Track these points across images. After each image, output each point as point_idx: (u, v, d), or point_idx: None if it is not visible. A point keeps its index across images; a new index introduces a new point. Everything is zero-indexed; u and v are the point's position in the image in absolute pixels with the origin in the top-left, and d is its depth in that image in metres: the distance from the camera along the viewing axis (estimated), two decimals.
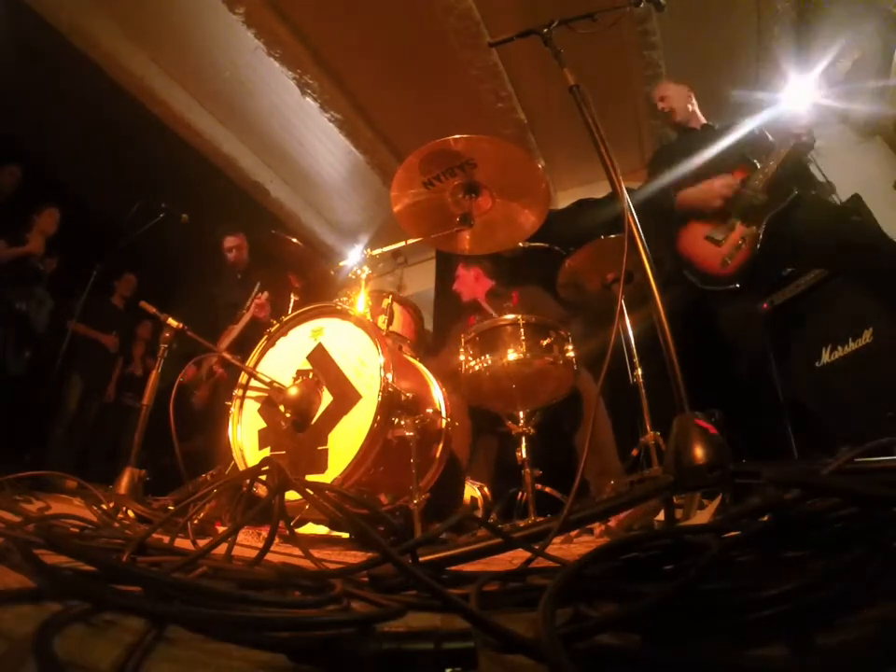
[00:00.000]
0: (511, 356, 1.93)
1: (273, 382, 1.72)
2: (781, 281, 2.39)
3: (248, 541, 1.24)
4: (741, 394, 2.40)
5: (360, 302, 1.98)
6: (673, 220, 2.46)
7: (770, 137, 2.40)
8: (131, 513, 1.39)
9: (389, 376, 1.54)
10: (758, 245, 2.20)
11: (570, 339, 2.04)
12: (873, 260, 2.05)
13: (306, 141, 4.65)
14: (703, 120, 2.63)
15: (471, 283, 2.84)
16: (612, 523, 1.48)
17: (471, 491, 2.19)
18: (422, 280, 5.07)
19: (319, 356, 1.72)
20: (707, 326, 2.51)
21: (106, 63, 3.84)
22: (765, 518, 0.61)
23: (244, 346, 2.71)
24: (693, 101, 2.65)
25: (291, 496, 0.86)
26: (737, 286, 2.25)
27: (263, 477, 1.00)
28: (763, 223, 2.20)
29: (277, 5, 3.59)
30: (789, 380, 2.26)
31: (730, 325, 2.39)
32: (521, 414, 2.06)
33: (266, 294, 3.12)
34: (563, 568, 0.53)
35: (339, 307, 1.80)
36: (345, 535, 1.53)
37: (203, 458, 2.34)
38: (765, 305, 2.40)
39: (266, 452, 1.67)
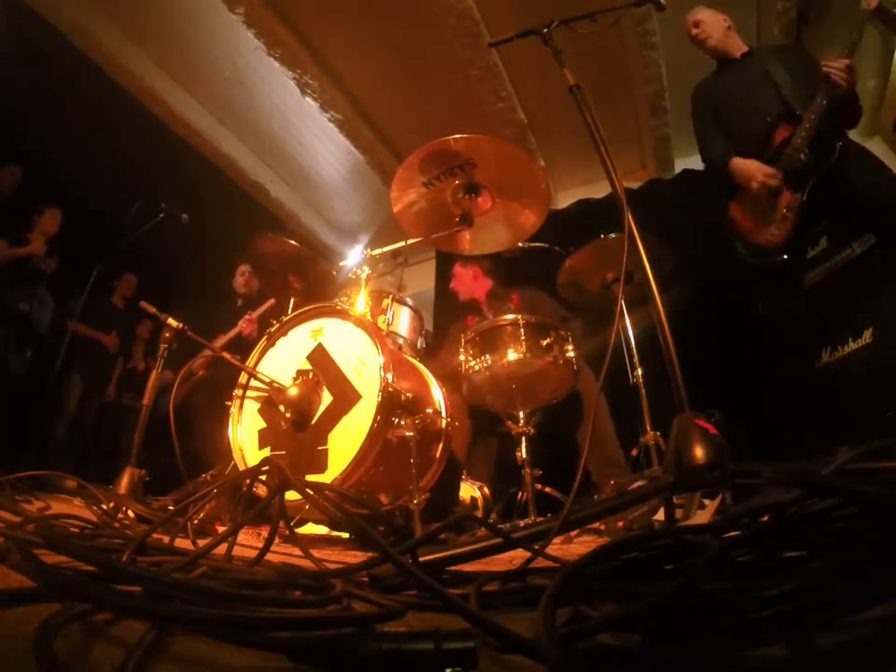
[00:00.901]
0: (511, 356, 1.93)
1: (272, 382, 1.72)
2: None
3: (248, 541, 1.24)
4: (743, 391, 2.40)
5: (360, 302, 1.98)
6: (727, 186, 2.34)
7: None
8: (131, 513, 1.39)
9: (389, 376, 1.54)
10: (804, 215, 2.08)
11: (570, 339, 2.04)
12: None
13: (306, 141, 4.66)
14: (744, 48, 2.45)
15: (469, 282, 2.83)
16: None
17: (471, 491, 2.20)
18: (422, 280, 5.07)
19: (319, 356, 1.72)
20: (707, 326, 2.51)
21: (106, 63, 3.84)
22: (765, 518, 0.61)
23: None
24: (733, 29, 2.49)
25: (291, 496, 0.86)
26: (785, 257, 2.14)
27: (263, 477, 1.00)
28: (807, 189, 2.07)
29: (277, 5, 3.59)
30: (789, 380, 2.26)
31: (775, 304, 2.31)
32: (521, 414, 2.06)
33: (257, 314, 3.13)
34: (563, 568, 0.53)
35: (339, 307, 1.80)
36: (345, 535, 1.53)
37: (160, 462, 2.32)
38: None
39: (266, 452, 1.67)
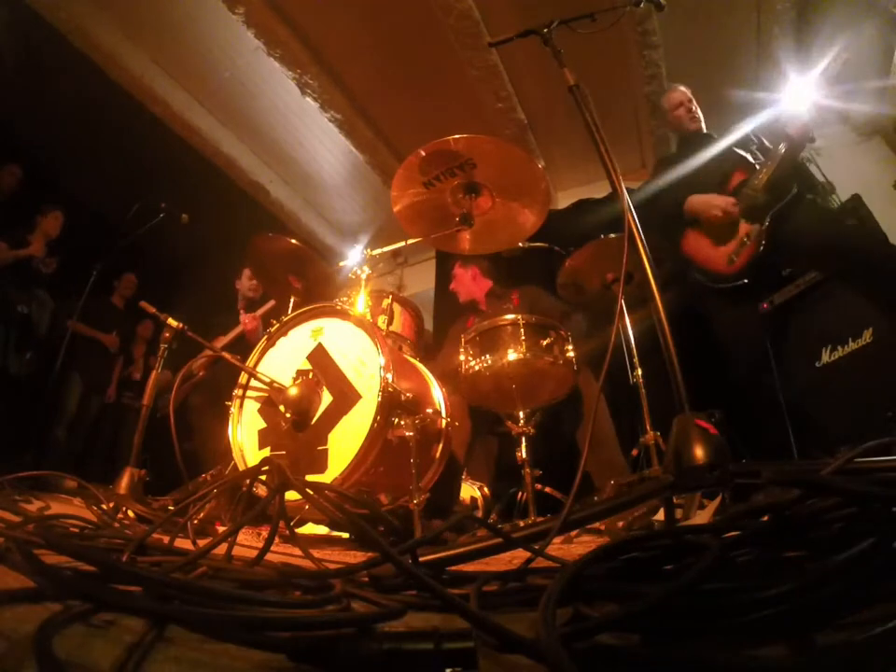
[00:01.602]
0: (511, 356, 1.93)
1: (273, 382, 1.72)
2: (781, 281, 2.39)
3: (248, 541, 1.24)
4: (741, 394, 2.40)
5: (360, 302, 1.98)
6: (679, 223, 2.49)
7: (766, 142, 2.45)
8: (131, 513, 1.39)
9: (389, 376, 1.54)
10: (762, 241, 2.22)
11: (570, 339, 2.04)
12: (869, 264, 2.06)
13: (306, 141, 4.66)
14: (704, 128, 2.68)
15: (468, 282, 2.83)
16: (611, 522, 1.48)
17: (471, 491, 2.20)
18: (422, 280, 5.07)
19: (319, 356, 1.72)
20: (708, 326, 2.51)
21: (106, 63, 3.84)
22: (765, 518, 0.61)
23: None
24: None
25: (291, 496, 0.86)
26: (745, 281, 2.27)
27: (263, 477, 1.00)
28: (767, 219, 2.22)
29: (277, 5, 3.59)
30: (789, 380, 2.26)
31: (728, 327, 2.41)
32: (521, 414, 2.06)
33: (260, 312, 3.12)
34: (563, 568, 0.53)
35: (339, 307, 1.80)
36: (345, 535, 1.53)
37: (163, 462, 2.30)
38: (765, 305, 2.40)
39: (266, 452, 1.67)
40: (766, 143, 2.42)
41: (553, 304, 2.58)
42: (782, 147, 2.21)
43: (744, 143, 2.46)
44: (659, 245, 2.21)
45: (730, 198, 2.31)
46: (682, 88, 2.73)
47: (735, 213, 2.28)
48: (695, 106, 2.67)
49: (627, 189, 1.24)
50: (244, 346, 2.82)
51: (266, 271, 2.38)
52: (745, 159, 2.37)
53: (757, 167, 2.29)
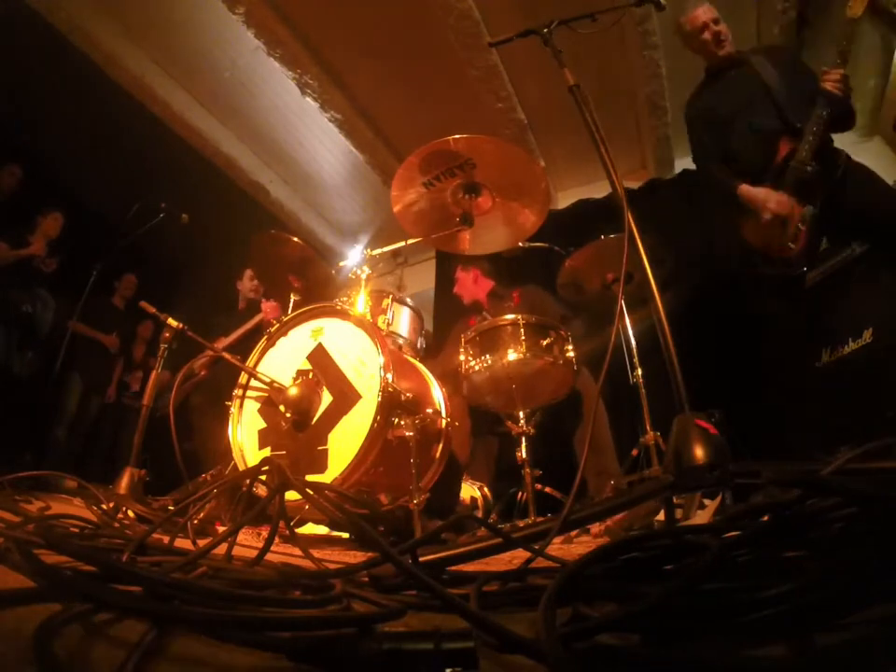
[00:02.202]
0: (511, 356, 1.93)
1: (273, 382, 1.72)
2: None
3: (248, 541, 1.24)
4: (744, 391, 2.40)
5: (360, 302, 1.98)
6: (736, 206, 2.27)
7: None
8: (131, 513, 1.39)
9: (389, 376, 1.54)
10: (817, 226, 2.06)
11: (570, 339, 2.04)
12: None
13: (306, 141, 4.65)
14: (734, 53, 2.37)
15: (470, 285, 2.84)
16: (610, 522, 1.48)
17: (471, 491, 2.20)
18: (422, 280, 5.07)
19: (319, 356, 1.72)
20: (708, 326, 2.51)
21: (106, 63, 3.84)
22: (765, 518, 0.61)
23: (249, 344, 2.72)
24: None
25: (291, 496, 0.86)
26: (805, 269, 2.12)
27: (263, 477, 1.00)
28: (819, 200, 2.05)
29: (277, 5, 3.59)
30: (789, 380, 2.26)
31: (772, 305, 2.29)
32: (521, 414, 2.06)
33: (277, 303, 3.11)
34: (563, 568, 0.53)
35: (339, 307, 1.80)
36: (345, 535, 1.53)
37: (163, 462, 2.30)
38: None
39: (266, 452, 1.67)
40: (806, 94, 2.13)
41: (553, 307, 2.58)
42: (821, 111, 2.01)
43: (787, 88, 2.18)
44: (659, 245, 2.21)
45: (781, 196, 2.09)
46: (706, 6, 2.38)
47: (788, 213, 2.08)
48: (723, 27, 2.35)
49: (627, 189, 1.24)
50: (244, 347, 2.81)
51: (266, 270, 2.38)
52: (790, 126, 2.12)
53: (803, 135, 2.05)
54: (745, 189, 2.20)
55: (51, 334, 3.70)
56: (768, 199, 2.12)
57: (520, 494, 2.07)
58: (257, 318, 3.16)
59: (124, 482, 1.62)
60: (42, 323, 3.63)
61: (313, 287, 2.32)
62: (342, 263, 2.26)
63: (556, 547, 1.28)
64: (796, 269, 2.13)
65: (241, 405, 1.80)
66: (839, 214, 2.05)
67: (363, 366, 1.63)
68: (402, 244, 2.11)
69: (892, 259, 2.00)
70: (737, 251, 2.29)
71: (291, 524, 0.97)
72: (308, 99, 4.16)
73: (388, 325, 2.06)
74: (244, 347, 2.36)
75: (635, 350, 2.25)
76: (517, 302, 2.66)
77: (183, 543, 0.90)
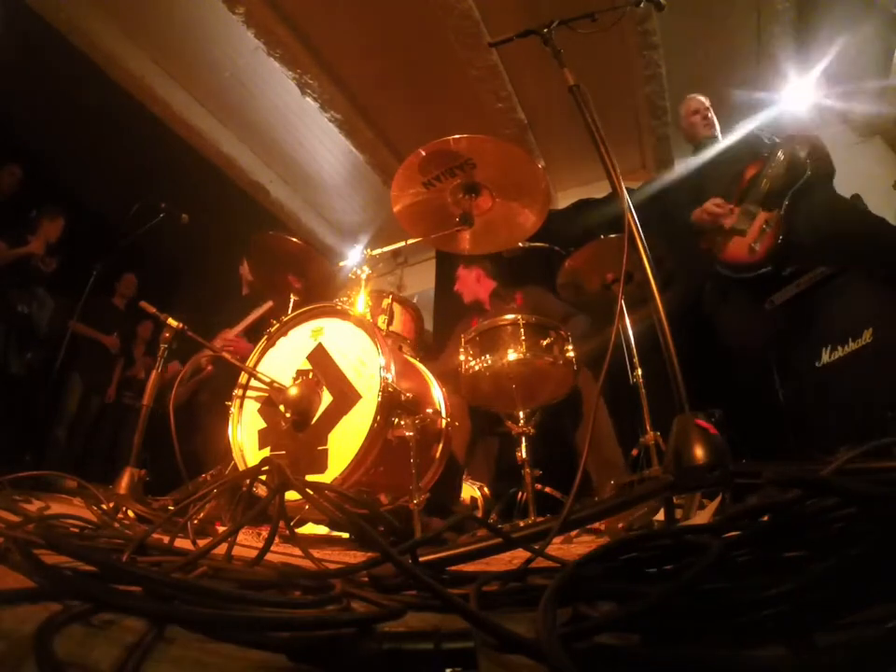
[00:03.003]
0: (511, 356, 1.93)
1: (273, 382, 1.72)
2: (781, 280, 2.39)
3: (248, 541, 1.24)
4: (741, 394, 2.40)
5: (360, 302, 1.98)
6: (694, 235, 2.53)
7: (774, 139, 2.45)
8: (131, 513, 1.39)
9: (389, 376, 1.54)
10: (782, 227, 2.23)
11: (570, 339, 2.04)
12: (886, 251, 2.06)
13: (306, 141, 4.65)
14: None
15: (472, 284, 2.83)
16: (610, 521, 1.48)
17: (471, 491, 2.19)
18: (422, 280, 5.07)
19: (319, 356, 1.72)
20: (709, 324, 2.51)
21: (106, 63, 3.84)
22: (765, 518, 0.61)
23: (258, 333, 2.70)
24: None
25: (291, 496, 0.86)
26: (769, 269, 2.26)
27: (263, 477, 1.00)
28: (785, 201, 2.22)
29: (277, 5, 3.59)
30: (789, 380, 2.26)
31: (733, 323, 2.41)
32: (521, 414, 2.06)
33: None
34: (563, 568, 0.53)
35: (339, 307, 1.80)
36: (345, 535, 1.53)
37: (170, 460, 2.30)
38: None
39: (266, 452, 1.67)
40: (775, 139, 2.44)
41: (557, 306, 2.59)
42: (793, 135, 2.26)
43: (754, 141, 2.49)
44: (659, 245, 2.21)
45: (716, 198, 2.37)
46: (701, 97, 2.76)
47: (718, 212, 2.34)
48: (712, 114, 2.71)
49: (627, 188, 1.24)
50: (256, 335, 2.78)
51: (266, 270, 2.38)
52: (757, 153, 2.39)
53: (772, 157, 2.30)
54: (693, 213, 2.47)
55: (50, 334, 3.70)
56: (703, 209, 2.41)
57: (520, 494, 2.07)
58: (266, 307, 3.14)
59: (124, 482, 1.62)
60: (39, 323, 3.63)
61: (313, 287, 2.32)
62: (342, 263, 2.26)
63: (556, 547, 1.28)
64: (760, 269, 2.29)
65: (241, 405, 1.80)
66: (805, 220, 2.22)
67: (363, 366, 1.63)
68: (402, 244, 2.11)
69: (846, 281, 2.11)
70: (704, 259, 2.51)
71: (291, 524, 0.97)
72: (308, 99, 4.16)
73: (388, 325, 2.05)
74: (256, 336, 2.36)
75: (635, 350, 2.25)
76: (520, 303, 2.67)
77: (183, 543, 0.90)
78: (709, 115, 2.71)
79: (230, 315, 3.29)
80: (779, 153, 2.26)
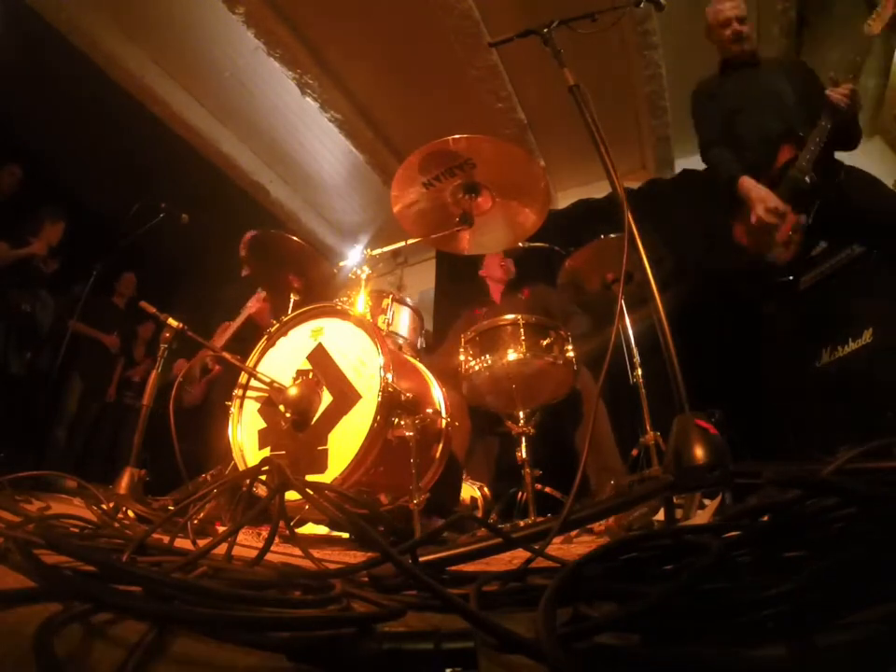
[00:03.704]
0: (511, 356, 1.93)
1: (273, 382, 1.72)
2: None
3: (248, 541, 1.24)
4: (743, 391, 2.40)
5: (360, 302, 1.98)
6: (731, 196, 2.29)
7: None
8: (131, 513, 1.39)
9: (389, 376, 1.54)
10: (807, 236, 2.08)
11: (570, 339, 2.04)
12: None
13: (306, 141, 4.65)
14: (754, 56, 2.40)
15: (496, 269, 2.92)
16: (611, 521, 1.48)
17: (471, 491, 2.19)
18: (422, 280, 5.07)
19: (319, 356, 1.72)
20: (708, 326, 2.51)
21: (106, 63, 3.84)
22: (765, 518, 0.61)
23: (243, 345, 2.72)
24: None
25: (291, 496, 0.86)
26: (791, 278, 2.15)
27: (263, 477, 1.00)
28: (812, 211, 2.06)
29: (277, 5, 3.58)
30: (789, 380, 2.26)
31: (776, 310, 2.31)
32: (521, 414, 2.06)
33: (264, 293, 3.13)
34: (563, 568, 0.53)
35: (339, 307, 1.80)
36: (345, 535, 1.53)
37: (197, 458, 2.33)
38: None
39: (266, 452, 1.67)
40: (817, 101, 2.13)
41: (561, 306, 2.62)
42: (825, 122, 2.02)
43: (798, 98, 2.20)
44: (659, 246, 2.21)
45: (778, 202, 2.10)
46: (730, 4, 2.34)
47: (774, 222, 2.10)
48: (747, 27, 2.34)
49: (627, 188, 1.24)
50: (243, 347, 2.81)
51: (266, 269, 2.38)
52: (793, 132, 2.13)
53: (806, 143, 2.07)
54: (746, 180, 2.20)
55: (51, 334, 3.70)
56: (765, 201, 2.12)
57: (520, 494, 2.06)
58: (244, 315, 3.16)
59: (124, 482, 1.62)
60: (41, 323, 3.63)
61: (313, 286, 2.32)
62: (342, 263, 2.26)
63: (556, 547, 1.28)
64: (782, 276, 2.16)
65: (241, 405, 1.80)
66: (840, 217, 2.05)
67: (363, 366, 1.63)
68: (402, 244, 2.11)
69: (891, 259, 2.01)
70: (733, 251, 2.31)
71: (291, 524, 0.97)
72: (308, 99, 4.16)
73: (388, 325, 2.05)
74: (241, 346, 2.35)
75: (635, 350, 2.25)
76: (527, 296, 2.68)
77: (183, 543, 0.90)
78: (742, 29, 2.32)
79: (234, 289, 3.30)
80: (812, 146, 2.01)
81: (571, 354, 2.00)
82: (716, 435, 0.89)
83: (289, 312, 2.06)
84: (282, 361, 1.80)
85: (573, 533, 1.52)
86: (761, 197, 2.14)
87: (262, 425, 1.73)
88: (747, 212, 2.21)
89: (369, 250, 2.09)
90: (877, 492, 0.51)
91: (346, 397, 1.61)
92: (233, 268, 3.59)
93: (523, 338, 1.95)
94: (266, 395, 1.75)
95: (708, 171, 2.52)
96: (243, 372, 1.81)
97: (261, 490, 1.23)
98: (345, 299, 2.01)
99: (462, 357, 2.05)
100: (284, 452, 1.62)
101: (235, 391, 1.82)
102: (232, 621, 0.39)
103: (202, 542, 0.85)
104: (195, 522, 1.06)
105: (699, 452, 0.86)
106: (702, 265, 2.87)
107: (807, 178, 2.05)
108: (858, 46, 2.15)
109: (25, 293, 3.53)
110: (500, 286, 2.92)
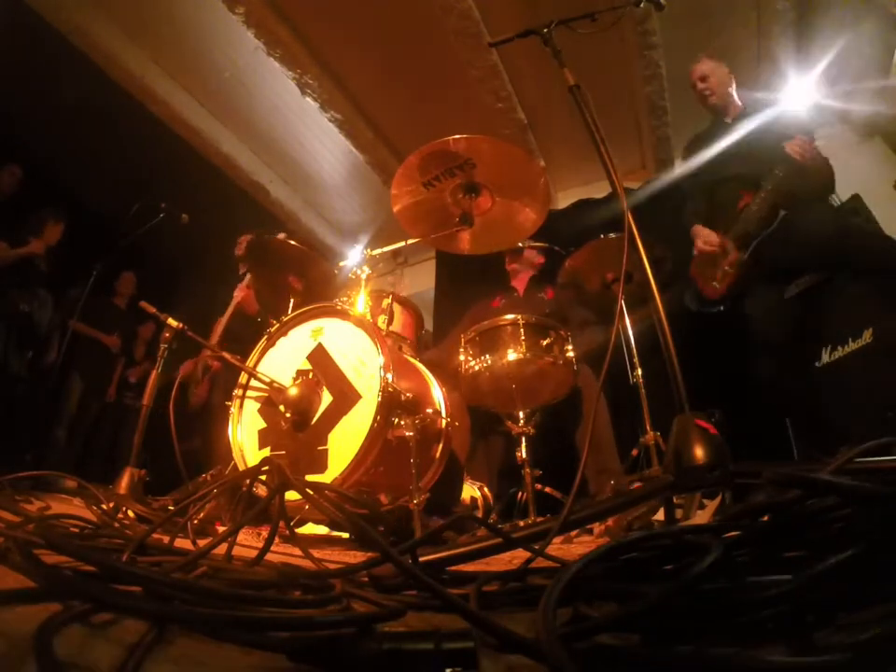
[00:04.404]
0: (511, 356, 1.93)
1: (273, 382, 1.72)
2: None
3: (248, 541, 1.24)
4: (743, 391, 2.40)
5: (360, 302, 1.98)
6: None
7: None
8: (131, 513, 1.39)
9: (389, 376, 1.54)
10: (740, 274, 2.28)
11: (570, 339, 2.04)
12: (874, 260, 2.06)
13: (306, 141, 4.66)
14: (739, 106, 2.53)
15: (532, 260, 2.91)
16: (611, 522, 1.48)
17: (471, 491, 2.19)
18: (422, 280, 5.07)
19: (319, 356, 1.72)
20: (708, 325, 2.51)
21: (106, 63, 3.84)
22: (765, 518, 0.61)
23: (235, 339, 2.73)
24: (734, 85, 2.55)
25: (291, 496, 0.86)
26: (721, 308, 2.36)
27: (263, 477, 1.00)
28: (749, 250, 2.25)
29: (277, 5, 3.59)
30: (789, 380, 2.26)
31: (758, 312, 2.37)
32: (521, 414, 2.06)
33: (247, 279, 3.13)
34: (563, 568, 0.53)
35: (339, 307, 1.80)
36: (345, 535, 1.53)
37: (203, 458, 2.34)
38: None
39: (266, 452, 1.67)
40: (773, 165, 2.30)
41: (578, 311, 2.63)
42: (778, 171, 2.19)
43: (760, 152, 2.34)
44: (659, 246, 2.21)
45: (713, 236, 2.35)
46: (705, 63, 2.53)
47: (711, 251, 2.33)
48: (707, 84, 2.51)
49: (627, 189, 1.24)
50: (234, 341, 2.81)
51: (266, 271, 2.38)
52: (755, 181, 2.30)
53: (757, 194, 2.26)
54: (697, 227, 2.45)
55: (50, 334, 3.70)
56: (699, 235, 2.40)
57: (520, 494, 2.06)
58: (232, 305, 3.18)
59: (124, 482, 1.62)
60: (39, 322, 3.63)
61: (313, 287, 2.32)
62: (342, 263, 2.26)
63: (556, 547, 1.28)
64: (714, 307, 2.38)
65: (241, 405, 1.80)
66: (784, 254, 2.21)
67: (363, 366, 1.63)
68: (402, 244, 2.11)
69: (846, 281, 2.13)
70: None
71: (291, 524, 0.97)
72: (308, 99, 4.16)
73: (388, 325, 2.06)
74: (234, 335, 2.34)
75: (635, 350, 2.25)
76: (550, 297, 2.70)
77: (183, 543, 0.90)
78: (702, 86, 2.51)
79: (233, 284, 3.31)
80: (763, 192, 2.22)
81: (571, 354, 2.00)
82: (716, 435, 0.89)
83: (289, 312, 2.06)
84: (282, 361, 1.80)
85: (573, 533, 1.52)
86: (701, 234, 2.41)
87: (262, 425, 1.73)
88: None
89: (369, 250, 2.09)
90: (877, 492, 0.51)
91: (346, 397, 1.61)
92: (233, 268, 3.59)
93: (523, 338, 1.95)
94: (266, 395, 1.75)
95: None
96: (243, 372, 1.81)
97: (261, 490, 1.23)
98: (345, 299, 2.01)
99: (462, 357, 2.05)
100: (284, 452, 1.62)
101: (235, 391, 1.82)
102: (232, 621, 0.39)
103: (202, 542, 0.85)
104: (195, 522, 1.06)
105: (699, 452, 0.86)
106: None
107: (751, 228, 2.25)
108: (858, 45, 2.15)
109: (24, 293, 3.53)
110: (526, 278, 2.90)
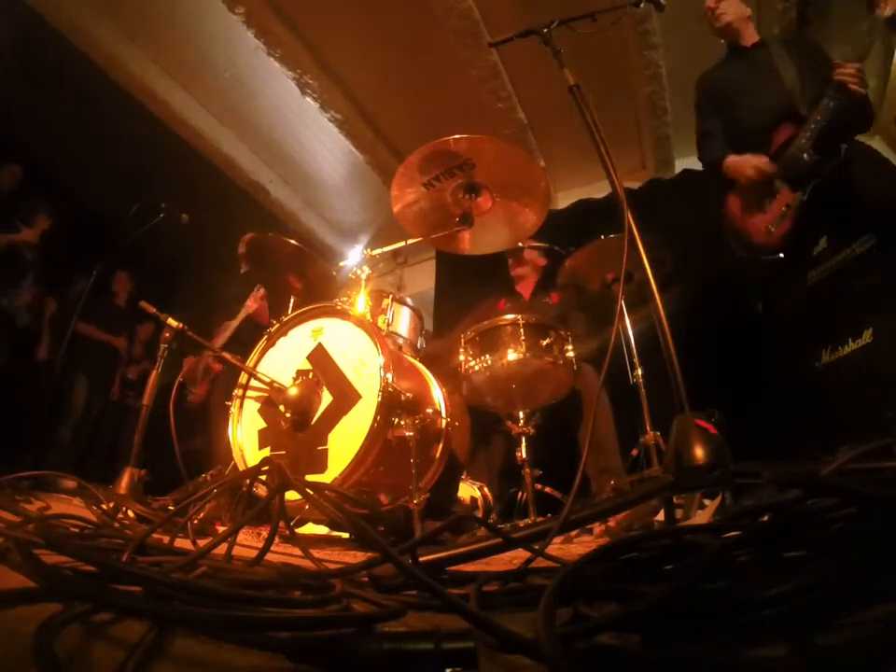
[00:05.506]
0: (511, 356, 1.93)
1: (273, 382, 1.72)
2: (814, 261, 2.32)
3: (248, 541, 1.24)
4: (744, 389, 2.39)
5: (360, 302, 1.98)
6: (721, 180, 2.29)
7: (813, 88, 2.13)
8: (131, 513, 1.39)
9: (389, 376, 1.54)
10: (804, 213, 2.04)
11: (570, 339, 2.04)
12: None
13: (306, 141, 4.66)
14: (755, 38, 2.36)
15: (535, 262, 2.89)
16: (612, 522, 1.48)
17: (471, 491, 2.19)
18: (422, 280, 5.07)
19: (319, 356, 1.72)
20: (708, 325, 2.51)
21: (106, 63, 3.84)
22: (765, 518, 0.61)
23: (242, 344, 2.73)
24: (751, 20, 2.38)
25: (291, 496, 0.86)
26: (781, 256, 2.11)
27: (263, 477, 1.00)
28: (808, 189, 2.03)
29: (277, 5, 3.59)
30: (789, 380, 2.26)
31: (777, 302, 2.27)
32: (521, 414, 2.06)
33: (263, 290, 3.14)
34: (563, 568, 0.53)
35: (339, 307, 1.80)
36: (345, 535, 1.53)
37: (203, 458, 2.34)
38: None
39: (266, 452, 1.67)
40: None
41: (581, 320, 2.61)
42: (828, 101, 1.99)
43: (797, 77, 2.15)
44: (659, 246, 2.21)
45: (763, 157, 2.10)
46: None
47: (769, 172, 2.08)
48: (720, 7, 2.33)
49: (627, 189, 1.24)
50: (240, 346, 2.82)
51: (266, 271, 2.38)
52: (794, 112, 2.10)
53: (806, 125, 2.04)
54: (730, 159, 2.21)
55: (35, 328, 3.70)
56: (747, 161, 2.13)
57: (520, 494, 2.06)
58: (243, 314, 3.19)
59: (124, 482, 1.62)
60: (19, 316, 3.62)
61: (313, 287, 2.32)
62: (342, 263, 2.26)
63: (556, 547, 1.28)
64: (772, 254, 2.13)
65: (241, 405, 1.80)
66: (836, 202, 2.02)
67: (363, 366, 1.63)
68: (402, 244, 2.11)
69: (891, 256, 1.97)
70: (727, 235, 2.29)
71: (291, 524, 0.97)
72: (308, 99, 4.16)
73: (388, 325, 2.05)
74: (240, 343, 2.34)
75: (635, 350, 2.25)
76: (556, 302, 2.69)
77: (183, 543, 0.90)
78: (713, 4, 2.34)
79: (237, 286, 3.32)
80: (813, 124, 1.98)
81: (571, 354, 2.00)
82: (716, 435, 0.89)
83: (289, 312, 2.06)
84: (282, 361, 1.80)
85: (573, 533, 1.52)
86: (747, 159, 2.15)
87: (262, 425, 1.73)
88: (738, 186, 2.22)
89: (369, 250, 2.09)
90: (877, 492, 0.51)
91: (346, 397, 1.61)
92: (233, 267, 3.59)
93: (522, 338, 1.94)
94: (266, 395, 1.75)
95: (705, 169, 2.51)
96: (243, 372, 1.81)
97: (261, 490, 1.23)
98: (345, 299, 2.01)
99: (462, 357, 2.05)
100: (284, 452, 1.62)
101: (235, 391, 1.82)
102: (232, 621, 0.39)
103: (202, 542, 0.85)
104: (195, 522, 1.06)
105: (699, 452, 0.86)
106: (702, 265, 2.87)
107: (805, 156, 2.02)
108: (868, 29, 2.11)
109: (4, 285, 3.53)
110: (531, 283, 2.88)
